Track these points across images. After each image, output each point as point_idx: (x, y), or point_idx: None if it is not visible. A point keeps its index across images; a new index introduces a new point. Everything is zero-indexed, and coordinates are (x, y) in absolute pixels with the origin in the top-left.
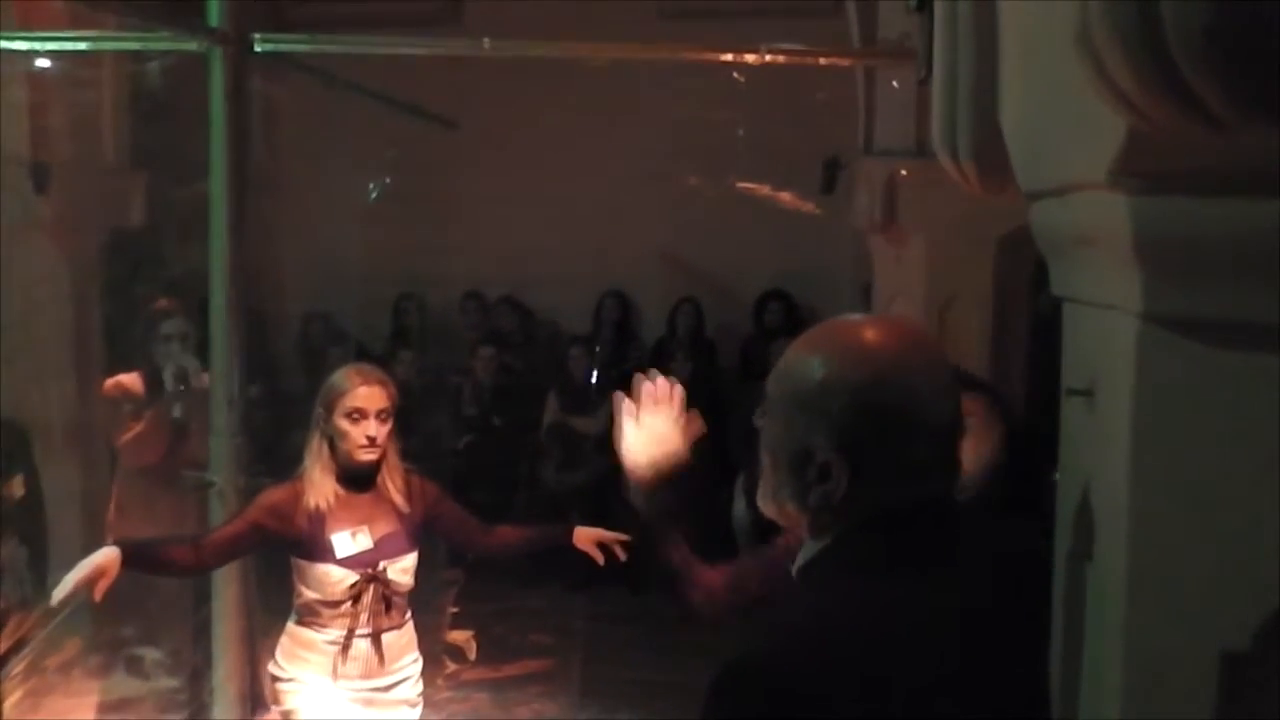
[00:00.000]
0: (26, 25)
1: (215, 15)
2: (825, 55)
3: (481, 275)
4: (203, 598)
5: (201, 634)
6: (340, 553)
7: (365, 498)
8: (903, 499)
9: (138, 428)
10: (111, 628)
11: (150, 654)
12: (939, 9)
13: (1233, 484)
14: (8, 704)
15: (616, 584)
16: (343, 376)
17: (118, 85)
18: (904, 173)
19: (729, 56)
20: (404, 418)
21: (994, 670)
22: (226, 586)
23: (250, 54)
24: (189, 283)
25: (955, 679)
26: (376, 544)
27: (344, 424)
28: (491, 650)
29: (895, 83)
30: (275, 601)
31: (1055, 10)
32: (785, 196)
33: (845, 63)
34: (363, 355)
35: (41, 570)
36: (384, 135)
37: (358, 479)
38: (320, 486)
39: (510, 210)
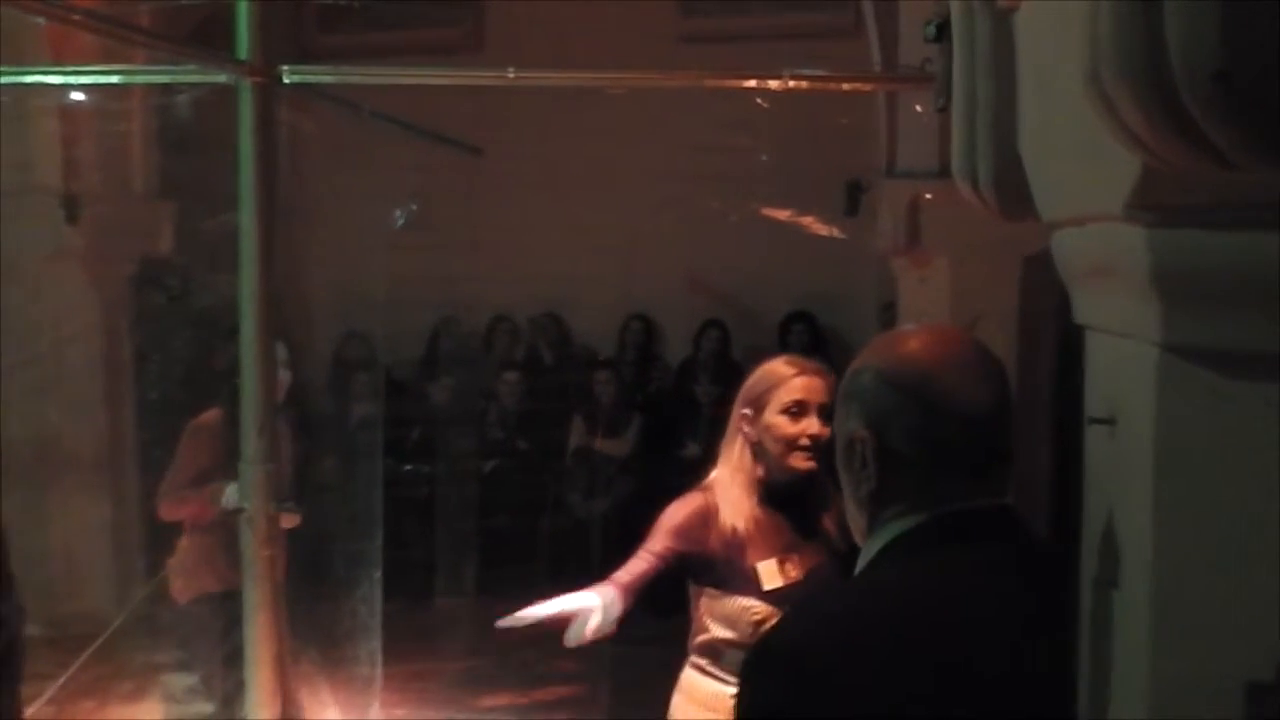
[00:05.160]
0: (59, 59)
1: (244, 48)
2: (848, 80)
3: (506, 300)
4: (234, 623)
5: (233, 660)
6: (768, 584)
7: (789, 518)
8: (942, 492)
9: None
10: (144, 654)
11: (183, 680)
12: (957, 37)
13: (1256, 513)
14: None
15: (642, 607)
16: (771, 367)
17: (146, 117)
18: (928, 196)
19: (752, 82)
20: (432, 444)
21: (1025, 668)
22: (257, 612)
23: (278, 85)
24: (218, 311)
25: (986, 672)
26: (806, 577)
27: (780, 421)
28: (519, 676)
29: (919, 107)
30: (305, 628)
31: (1069, 45)
32: (809, 219)
33: (868, 87)
34: (391, 381)
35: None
36: (409, 162)
37: (783, 494)
38: (740, 504)
39: (534, 235)
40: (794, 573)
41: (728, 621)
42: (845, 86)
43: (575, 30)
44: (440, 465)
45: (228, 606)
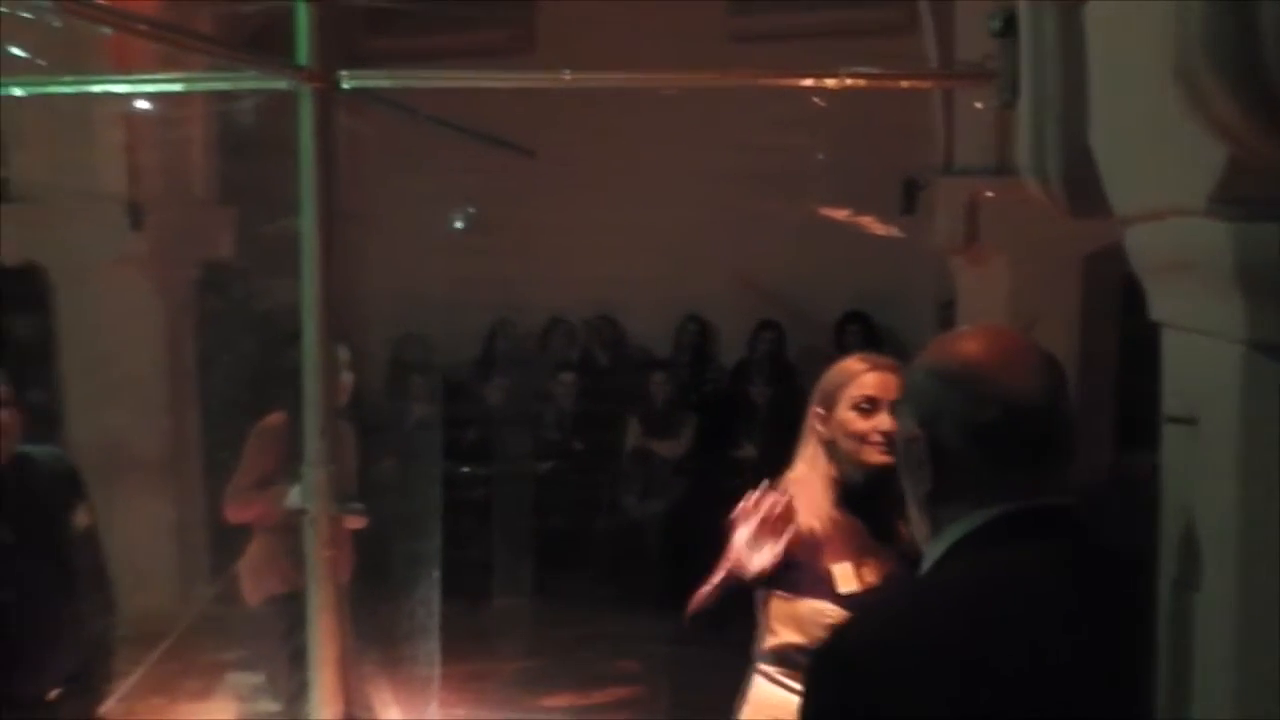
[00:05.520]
0: (123, 68)
1: (303, 54)
2: (907, 78)
3: (561, 302)
4: (299, 623)
5: (298, 659)
6: (843, 587)
7: (865, 521)
8: (998, 490)
9: (257, 503)
10: (211, 652)
11: (249, 678)
12: (1024, 31)
13: None
14: None
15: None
16: (843, 364)
17: (207, 123)
18: (989, 193)
19: (808, 81)
20: (488, 445)
21: (1086, 669)
22: (320, 613)
23: (337, 90)
24: (280, 315)
25: (1045, 673)
26: (882, 581)
27: (851, 418)
28: (578, 677)
29: (979, 104)
30: (365, 628)
31: (1150, 37)
32: (867, 219)
33: (926, 85)
34: (448, 382)
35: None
36: (463, 165)
37: (859, 495)
38: (816, 504)
39: (589, 237)
40: (870, 577)
41: (798, 625)
42: (904, 84)
43: (625, 31)
44: (496, 466)
45: (293, 607)
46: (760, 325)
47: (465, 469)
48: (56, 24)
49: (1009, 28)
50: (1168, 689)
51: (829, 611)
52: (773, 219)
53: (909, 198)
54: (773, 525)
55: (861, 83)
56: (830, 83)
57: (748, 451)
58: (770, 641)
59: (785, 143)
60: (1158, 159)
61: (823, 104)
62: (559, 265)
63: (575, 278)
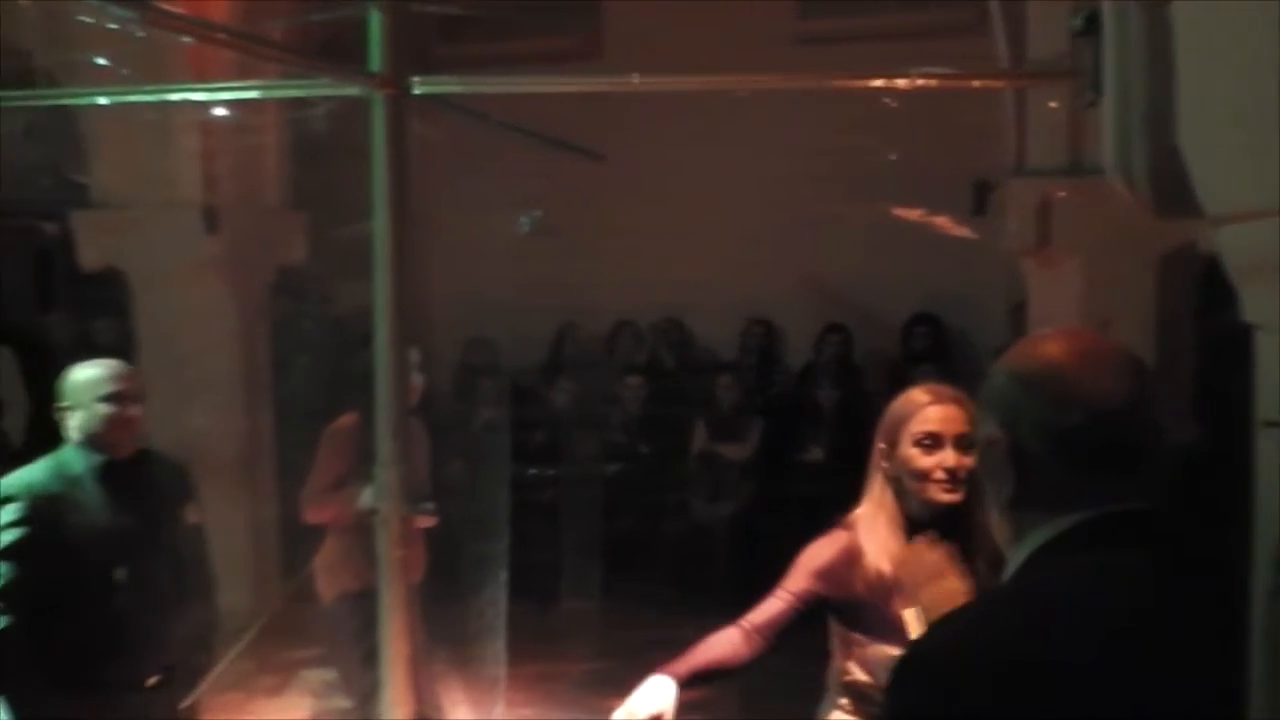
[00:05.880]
0: (200, 76)
1: (376, 60)
2: (979, 78)
3: (628, 305)
4: (372, 621)
5: (371, 657)
6: (915, 632)
7: (939, 557)
8: (1081, 495)
9: (333, 504)
10: (286, 650)
11: (322, 675)
12: (1109, 30)
13: None
14: None
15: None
16: (907, 397)
17: (280, 129)
18: (1062, 194)
19: (879, 82)
20: (556, 448)
21: (1168, 677)
22: (391, 612)
23: (409, 96)
24: (352, 318)
25: (1127, 682)
26: None
27: (914, 454)
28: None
29: (1053, 103)
30: (437, 626)
31: (1246, 37)
32: (936, 220)
33: (999, 84)
34: (515, 385)
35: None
36: (531, 170)
37: (930, 531)
38: (884, 545)
39: (657, 240)
40: None
41: (869, 669)
42: (976, 84)
43: (692, 34)
44: (564, 469)
45: (366, 605)
46: (827, 328)
47: (533, 471)
48: (140, 34)
49: (1091, 26)
50: (1263, 699)
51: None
52: (840, 221)
53: (979, 199)
54: None
55: (933, 83)
56: (901, 83)
57: (814, 455)
58: (844, 678)
59: (854, 144)
60: (1253, 159)
61: (894, 105)
62: (626, 268)
63: (642, 281)
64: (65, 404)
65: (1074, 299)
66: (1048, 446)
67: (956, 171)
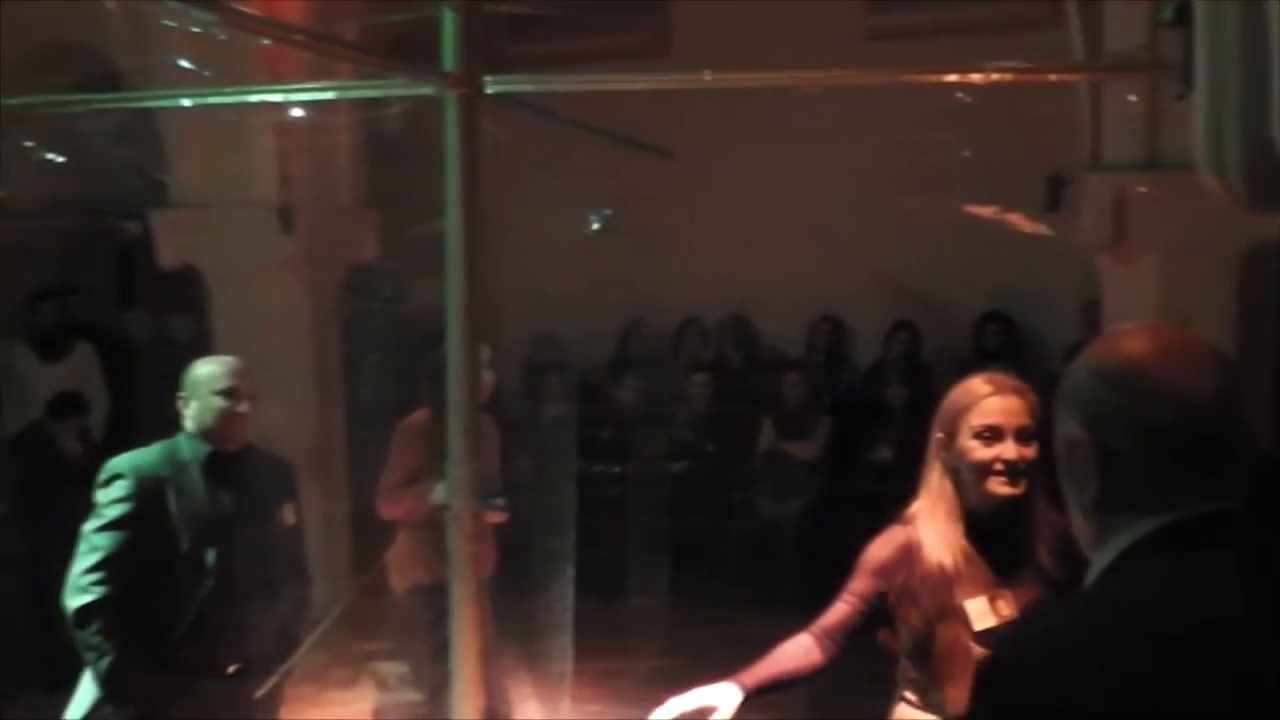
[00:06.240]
0: (274, 77)
1: (448, 60)
2: (1057, 71)
3: (695, 302)
4: (442, 615)
5: (441, 650)
6: (978, 624)
7: (999, 550)
8: (1168, 495)
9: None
10: (357, 643)
11: (393, 668)
12: (1201, 20)
13: None
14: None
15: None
16: (966, 387)
17: (353, 129)
18: (1141, 189)
19: (954, 77)
20: (623, 445)
21: (1253, 683)
22: (462, 607)
23: (481, 96)
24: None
25: (1213, 688)
26: (1021, 614)
27: (973, 446)
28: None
29: (1132, 96)
30: (505, 621)
31: None
32: (1009, 216)
33: (1076, 77)
34: (582, 382)
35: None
36: (600, 167)
37: (990, 524)
38: (944, 537)
39: (724, 237)
40: (1007, 610)
41: (935, 659)
42: (1053, 77)
43: (760, 31)
44: (630, 466)
45: (437, 598)
46: (895, 325)
47: (599, 468)
48: (221, 37)
49: (1181, 18)
50: None
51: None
52: (910, 217)
53: (1053, 194)
54: None
55: (1009, 77)
56: (976, 78)
57: (883, 454)
58: (909, 673)
59: (925, 140)
60: None
61: (968, 99)
62: (693, 266)
63: (709, 278)
64: (183, 395)
65: (1150, 296)
66: (1134, 445)
67: (1030, 166)
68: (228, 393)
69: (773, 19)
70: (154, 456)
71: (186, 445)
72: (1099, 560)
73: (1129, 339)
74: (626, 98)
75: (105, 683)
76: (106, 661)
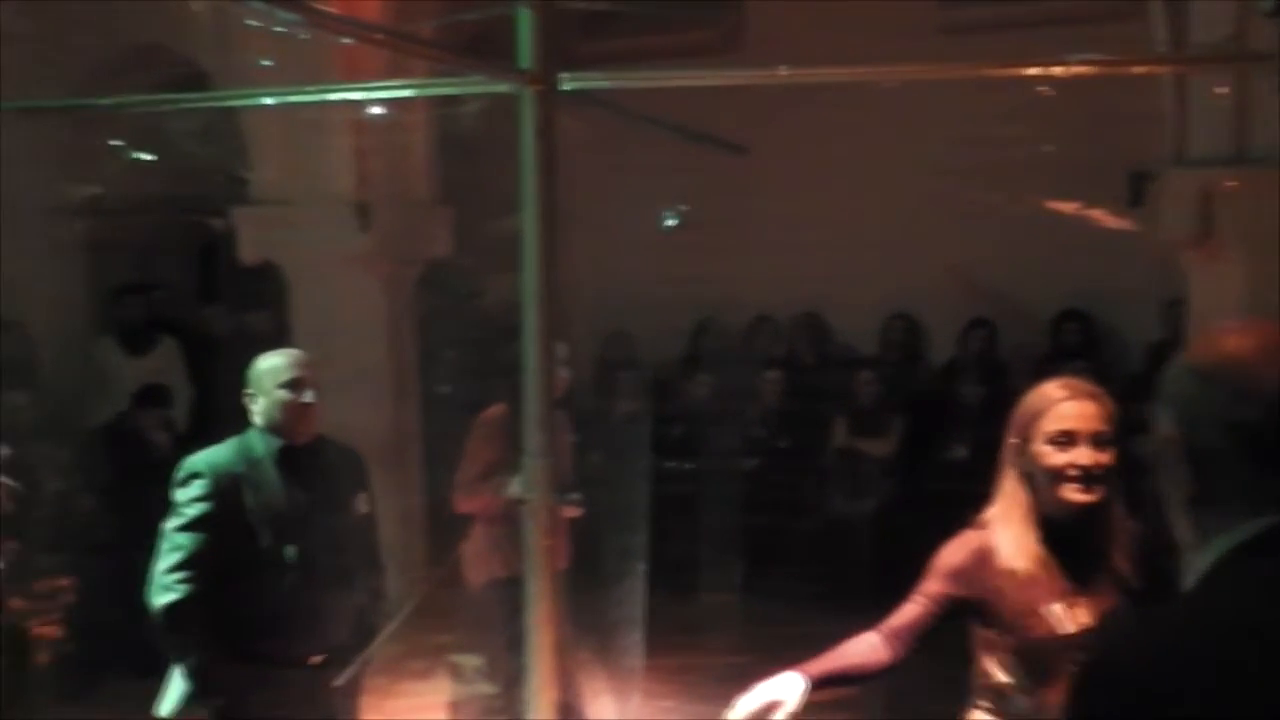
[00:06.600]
0: (350, 75)
1: (525, 57)
2: (1143, 63)
3: (767, 299)
4: (518, 609)
5: (516, 643)
6: (1060, 630)
7: (1076, 555)
8: (1267, 495)
9: (483, 492)
10: (433, 634)
11: (469, 661)
12: None
13: None
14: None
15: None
16: (1041, 391)
17: (428, 126)
18: (1230, 183)
19: (1035, 70)
20: (694, 441)
21: None
22: (538, 601)
23: (557, 92)
24: (500, 311)
25: None
26: (1099, 620)
27: (1047, 451)
28: None
29: (1221, 88)
30: (580, 616)
31: None
32: (1091, 212)
33: (1163, 70)
34: (654, 378)
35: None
36: (673, 164)
37: (1066, 530)
38: (1020, 543)
39: (797, 233)
40: (1084, 617)
41: (1009, 669)
42: (1138, 70)
43: (832, 26)
44: (702, 462)
45: (513, 592)
46: (971, 323)
47: (671, 464)
48: (304, 36)
49: None
50: None
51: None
52: (986, 213)
53: (1136, 190)
54: None
55: (1093, 70)
56: (1059, 71)
57: (958, 453)
58: (984, 679)
59: (1001, 134)
60: None
61: (1050, 93)
62: (765, 262)
63: (781, 275)
64: (249, 391)
65: (1237, 294)
66: (1228, 444)
67: (1111, 161)
68: (292, 384)
69: (844, 14)
70: (228, 453)
71: (258, 440)
72: (1199, 562)
73: (1228, 335)
74: (699, 93)
75: (192, 678)
76: (193, 658)
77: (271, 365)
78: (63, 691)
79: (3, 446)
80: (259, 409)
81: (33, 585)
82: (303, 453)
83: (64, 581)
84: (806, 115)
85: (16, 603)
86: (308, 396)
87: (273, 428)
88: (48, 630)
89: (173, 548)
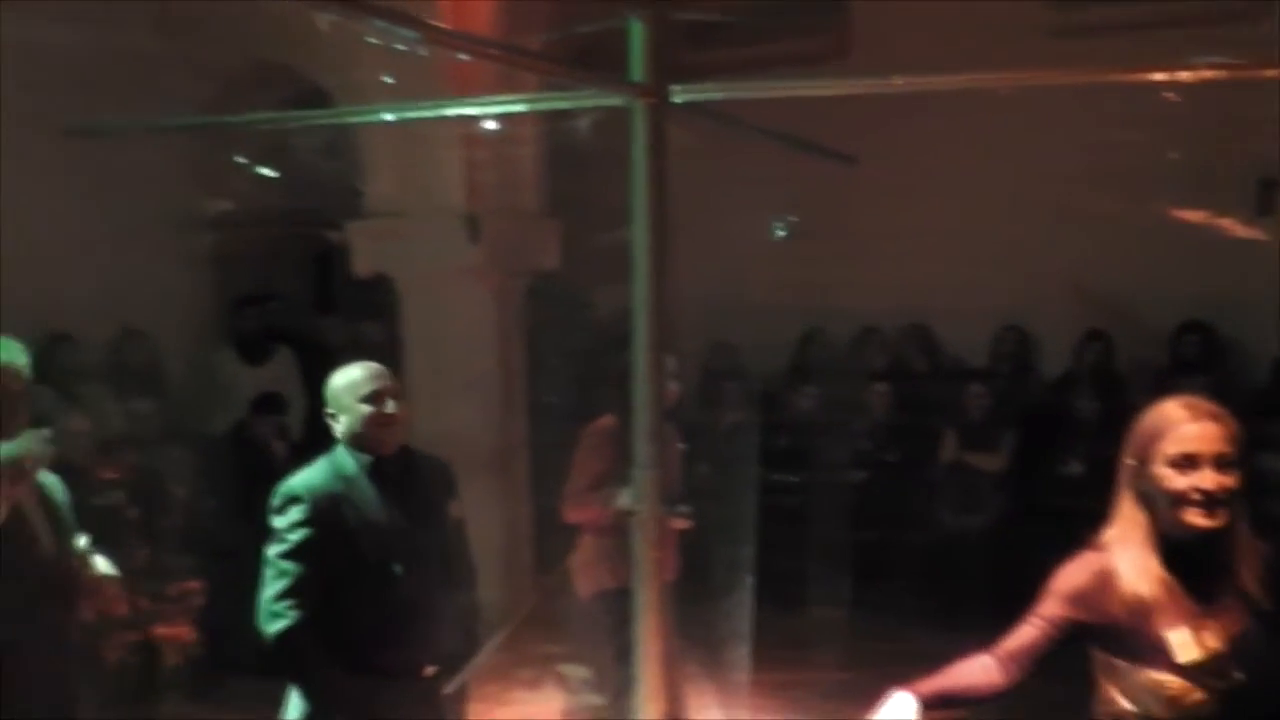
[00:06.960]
0: (461, 89)
1: (637, 70)
2: (1274, 67)
3: (875, 309)
4: (627, 620)
5: (624, 654)
6: (1182, 656)
7: (1201, 578)
8: None
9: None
10: (542, 645)
11: (577, 671)
12: None
13: None
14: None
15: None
16: (1161, 411)
17: (538, 139)
18: None
19: (1160, 75)
20: (801, 453)
21: None
22: (646, 612)
23: (669, 105)
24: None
25: None
26: (1231, 646)
27: (1167, 474)
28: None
29: None
30: (687, 628)
31: None
32: (1218, 221)
33: None
34: (762, 391)
35: None
36: (782, 173)
37: (1190, 553)
38: (1141, 567)
39: (909, 243)
40: (1213, 642)
41: (1133, 696)
42: (1270, 73)
43: (940, 29)
44: (809, 475)
45: (622, 603)
46: (1087, 335)
47: (778, 476)
48: (423, 53)
49: None
50: None
51: (1170, 683)
52: (1102, 222)
53: (1264, 198)
54: None
55: (1221, 74)
56: (1185, 76)
57: (1073, 468)
58: (1107, 707)
59: (1117, 140)
60: None
61: (1175, 98)
62: (873, 273)
63: (889, 285)
64: (330, 410)
65: None
66: None
67: (1238, 169)
68: (372, 397)
69: (952, 19)
70: (322, 474)
71: (347, 458)
72: None
73: None
74: (807, 101)
75: (310, 698)
76: (308, 681)
77: (349, 380)
78: (192, 692)
79: (84, 419)
80: (342, 426)
81: (164, 588)
82: (393, 465)
83: (193, 584)
84: (917, 122)
85: (147, 604)
86: (390, 407)
87: (359, 443)
88: (178, 632)
89: (278, 574)
